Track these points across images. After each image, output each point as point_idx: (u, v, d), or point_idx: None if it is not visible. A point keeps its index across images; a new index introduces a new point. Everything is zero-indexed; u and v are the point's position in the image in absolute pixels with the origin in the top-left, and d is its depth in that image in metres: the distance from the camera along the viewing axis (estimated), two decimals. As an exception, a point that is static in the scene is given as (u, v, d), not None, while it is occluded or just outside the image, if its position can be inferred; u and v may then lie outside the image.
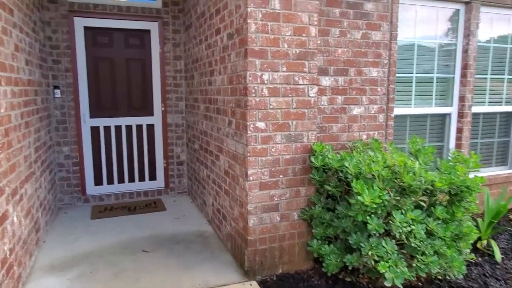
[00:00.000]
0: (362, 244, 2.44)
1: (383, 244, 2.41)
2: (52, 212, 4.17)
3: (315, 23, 2.93)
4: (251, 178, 2.87)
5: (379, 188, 2.35)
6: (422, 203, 2.57)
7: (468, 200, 2.69)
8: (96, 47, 4.71)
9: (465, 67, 4.30)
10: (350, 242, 2.51)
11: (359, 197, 2.28)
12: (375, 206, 2.27)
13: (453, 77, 4.35)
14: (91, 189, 4.86)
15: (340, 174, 2.78)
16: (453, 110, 4.38)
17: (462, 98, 4.35)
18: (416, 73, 4.16)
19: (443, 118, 4.39)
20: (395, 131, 4.05)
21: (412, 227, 2.44)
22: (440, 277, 2.95)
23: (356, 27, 3.65)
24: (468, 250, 2.83)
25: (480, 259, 3.42)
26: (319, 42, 3.51)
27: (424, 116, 4.28)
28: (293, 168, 2.99)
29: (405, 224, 2.41)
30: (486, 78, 4.60)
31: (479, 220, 3.74)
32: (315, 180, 2.91)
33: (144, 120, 5.00)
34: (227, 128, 3.29)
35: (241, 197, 3.03)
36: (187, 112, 4.98)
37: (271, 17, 2.79)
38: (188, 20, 4.62)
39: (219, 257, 3.32)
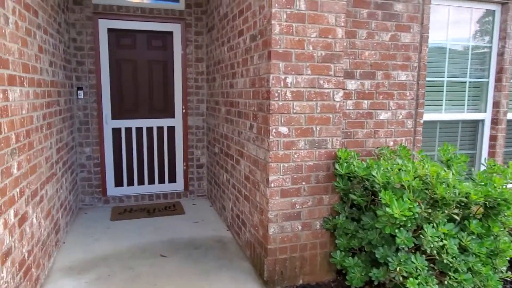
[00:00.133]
0: (389, 259, 2.30)
1: (413, 259, 2.25)
2: (72, 213, 4.19)
3: (342, 24, 2.80)
4: (272, 185, 2.77)
5: (409, 199, 2.20)
6: (455, 216, 2.40)
7: (505, 214, 2.50)
8: (119, 49, 4.73)
9: (500, 71, 4.06)
10: (376, 255, 2.36)
11: (387, 209, 2.14)
12: (404, 219, 2.12)
13: (487, 82, 4.12)
14: (112, 190, 4.87)
15: (366, 182, 2.64)
16: (486, 116, 4.15)
17: (496, 104, 4.10)
18: (447, 77, 3.96)
19: (475, 125, 4.16)
20: (424, 138, 3.86)
21: (445, 241, 2.27)
22: (472, 296, 2.76)
23: (385, 28, 3.49)
24: (505, 268, 2.63)
25: (516, 276, 3.19)
26: (345, 44, 3.38)
27: (455, 122, 4.06)
28: (316, 175, 2.87)
29: (436, 239, 2.25)
30: (523, 83, 4.34)
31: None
32: (339, 188, 2.78)
33: (165, 122, 4.99)
34: (248, 132, 3.20)
35: (262, 204, 2.93)
36: (208, 115, 4.92)
37: (296, 18, 2.69)
38: (211, 21, 4.57)
39: (237, 265, 3.23)
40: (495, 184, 2.47)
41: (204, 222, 4.28)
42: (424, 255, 2.31)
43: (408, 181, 2.23)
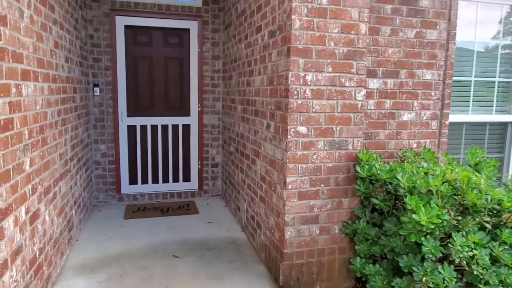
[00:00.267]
0: (414, 268, 2.15)
1: (440, 269, 2.10)
2: (86, 210, 4.17)
3: (366, 19, 2.67)
4: (289, 187, 2.66)
5: (437, 206, 2.05)
6: (486, 224, 2.24)
7: (540, 223, 2.32)
8: (135, 46, 4.69)
9: (532, 70, 3.85)
10: (400, 264, 2.22)
11: (413, 215, 2.00)
12: (432, 226, 1.98)
13: (518, 82, 3.91)
14: (126, 188, 4.84)
15: (389, 186, 2.50)
16: (516, 118, 3.94)
17: (527, 106, 3.89)
18: (474, 77, 3.76)
19: (504, 127, 3.95)
20: (449, 140, 3.67)
21: (475, 251, 2.12)
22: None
23: (410, 25, 3.34)
24: (539, 281, 2.44)
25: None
26: (368, 41, 3.23)
27: (483, 124, 3.86)
28: (336, 177, 2.74)
29: (466, 248, 2.09)
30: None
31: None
32: (360, 192, 2.64)
33: (180, 120, 4.92)
34: (265, 132, 3.09)
35: (278, 206, 2.82)
36: (223, 113, 4.84)
37: (317, 12, 2.57)
38: (228, 18, 4.48)
39: (252, 268, 3.13)
40: (530, 191, 2.29)
41: (218, 222, 4.19)
42: (452, 266, 2.16)
43: (436, 186, 2.08)
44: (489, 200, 2.13)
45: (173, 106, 4.90)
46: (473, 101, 3.79)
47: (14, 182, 2.07)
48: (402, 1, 3.30)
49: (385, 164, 2.61)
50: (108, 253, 3.35)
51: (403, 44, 3.34)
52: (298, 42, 2.55)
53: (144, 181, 4.90)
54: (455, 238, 2.09)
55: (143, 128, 4.82)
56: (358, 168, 2.63)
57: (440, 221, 2.00)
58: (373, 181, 2.61)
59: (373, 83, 3.30)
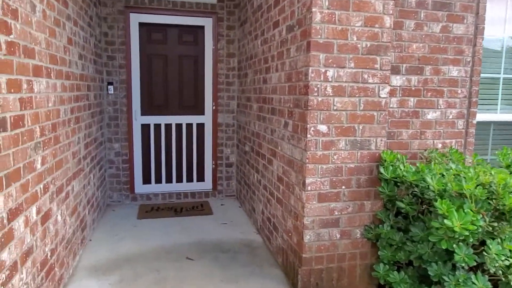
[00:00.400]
0: (445, 277, 2.00)
1: (473, 279, 1.95)
2: (100, 210, 4.12)
3: (391, 12, 2.52)
4: (309, 188, 2.53)
5: (471, 210, 1.90)
6: (523, 231, 2.07)
7: None
8: (150, 44, 4.62)
9: None
10: (429, 273, 2.08)
11: (446, 221, 1.86)
12: (466, 233, 1.83)
13: (550, 79, 3.69)
14: (139, 187, 4.78)
15: (416, 189, 2.35)
16: (547, 118, 3.72)
17: (560, 104, 3.67)
18: (503, 74, 3.57)
19: (534, 127, 3.74)
20: (476, 140, 3.49)
21: (511, 260, 1.96)
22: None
23: (435, 19, 3.17)
24: None
25: None
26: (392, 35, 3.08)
27: (512, 124, 3.66)
28: (358, 178, 2.60)
29: (502, 257, 1.93)
30: None
31: None
32: (384, 194, 2.50)
33: (194, 119, 4.84)
34: (283, 131, 2.97)
35: (296, 208, 2.69)
36: (238, 112, 4.74)
37: (339, 5, 2.44)
38: (244, 15, 4.38)
39: (268, 272, 3.01)
40: None
41: (232, 223, 4.09)
42: (486, 275, 2.00)
43: (470, 189, 1.93)
44: (527, 205, 1.97)
45: (187, 104, 4.83)
46: (501, 100, 3.60)
47: (25, 181, 2.00)
48: (427, -6, 3.14)
49: (411, 166, 2.46)
50: (121, 254, 3.28)
51: (428, 39, 3.17)
52: (319, 36, 2.43)
53: (158, 180, 4.84)
54: (490, 246, 1.93)
55: (157, 127, 4.76)
56: (382, 170, 2.49)
57: (475, 227, 1.85)
58: (398, 183, 2.46)
59: (396, 80, 3.15)
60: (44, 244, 2.28)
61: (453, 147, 3.23)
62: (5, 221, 1.75)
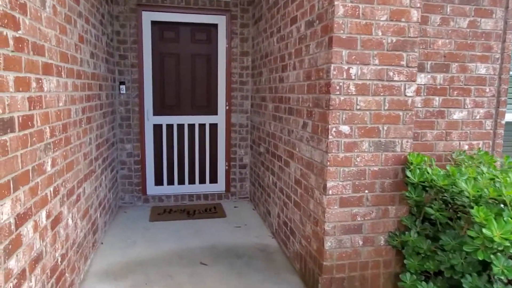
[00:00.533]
0: (481, 291, 1.85)
1: (513, 294, 1.79)
2: (112, 212, 4.04)
3: (418, 5, 2.37)
4: (330, 192, 2.39)
5: (511, 219, 1.74)
6: None
7: None
8: (162, 42, 4.53)
9: None
10: (464, 285, 1.92)
11: (485, 230, 1.70)
12: (507, 244, 1.67)
13: None
14: (152, 188, 4.69)
15: (445, 194, 2.20)
16: None
17: None
18: (534, 71, 3.37)
19: None
20: (504, 142, 3.30)
21: (555, 273, 1.79)
22: None
23: (462, 13, 3.00)
24: None
25: None
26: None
27: (543, 124, 3.47)
28: (382, 182, 2.46)
29: (545, 270, 1.77)
30: None
31: None
32: (411, 199, 2.35)
33: (207, 119, 4.74)
34: (301, 131, 2.84)
35: (316, 213, 2.56)
36: (252, 112, 4.62)
37: (363, -2, 2.29)
38: (258, 12, 4.25)
39: (285, 279, 2.88)
40: None
41: (246, 227, 3.97)
42: (526, 289, 1.84)
43: (510, 195, 1.77)
44: None
45: (200, 104, 4.73)
46: (531, 99, 3.41)
47: (34, 184, 1.91)
48: (454, -13, 2.98)
49: (439, 169, 2.30)
50: (133, 258, 3.19)
51: (454, 35, 3.01)
52: (342, 32, 2.29)
53: (170, 182, 4.75)
54: (532, 258, 1.77)
55: (169, 127, 4.67)
56: (408, 173, 2.34)
57: (517, 237, 1.69)
58: (426, 188, 2.31)
59: (421, 78, 2.99)
60: (54, 250, 2.19)
61: (481, 149, 3.05)
62: (12, 227, 1.66)
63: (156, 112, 4.60)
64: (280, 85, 3.38)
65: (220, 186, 4.88)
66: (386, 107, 2.40)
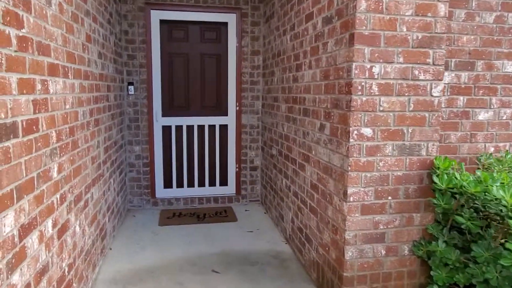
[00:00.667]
0: (522, 309, 1.70)
1: (558, 313, 1.64)
2: (120, 216, 3.94)
3: (445, -1, 2.22)
4: (351, 199, 2.25)
5: (556, 231, 1.59)
6: None
7: None
8: (171, 42, 4.42)
9: None
10: (501, 303, 1.77)
11: (528, 244, 1.56)
12: (554, 259, 1.52)
13: None
14: (161, 191, 4.59)
15: (476, 202, 2.05)
16: None
17: None
18: None
19: None
20: (532, 144, 3.13)
21: None
22: None
23: (488, 8, 2.84)
24: None
25: None
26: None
27: None
28: (406, 188, 2.31)
29: None
30: None
31: None
32: (439, 207, 2.20)
33: (217, 120, 4.62)
34: (318, 134, 2.70)
35: (335, 220, 2.42)
36: (263, 113, 4.48)
37: (386, -8, 2.15)
38: (270, 9, 4.12)
39: (301, 289, 2.75)
40: None
41: (258, 232, 3.84)
42: None
43: (554, 205, 1.62)
44: None
45: (209, 105, 4.61)
46: (560, 98, 3.22)
47: (39, 192, 1.80)
48: (479, -20, 2.81)
49: (469, 174, 2.15)
50: (142, 264, 3.08)
51: (480, 31, 2.84)
52: (364, 28, 2.14)
53: (180, 184, 4.63)
54: None
55: (179, 128, 4.55)
56: (435, 179, 2.19)
57: None
58: (455, 195, 2.16)
59: (444, 77, 2.83)
60: (61, 260, 2.08)
61: (508, 151, 2.89)
62: (16, 239, 1.55)
63: (165, 113, 4.49)
64: (294, 85, 3.24)
65: (230, 188, 4.75)
66: (411, 108, 2.25)
